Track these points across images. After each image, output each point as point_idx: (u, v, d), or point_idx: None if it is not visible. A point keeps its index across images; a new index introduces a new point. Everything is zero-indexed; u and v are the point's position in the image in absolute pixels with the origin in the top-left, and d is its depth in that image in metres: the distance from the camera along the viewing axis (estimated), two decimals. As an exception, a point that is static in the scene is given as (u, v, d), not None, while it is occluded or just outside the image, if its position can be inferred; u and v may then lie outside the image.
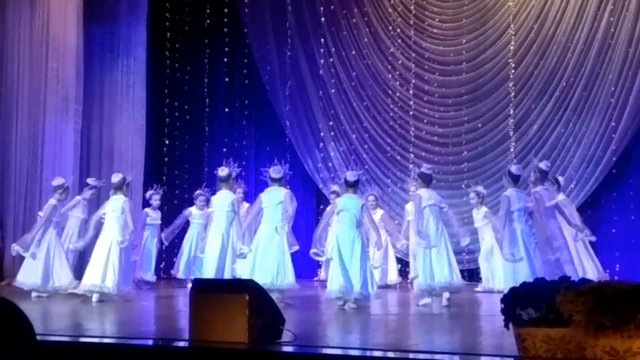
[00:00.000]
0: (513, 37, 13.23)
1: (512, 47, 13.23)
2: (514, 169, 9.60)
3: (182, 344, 5.91)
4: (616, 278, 11.43)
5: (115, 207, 10.03)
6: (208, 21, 14.63)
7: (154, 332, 7.37)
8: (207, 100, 14.72)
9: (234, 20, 14.75)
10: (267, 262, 9.38)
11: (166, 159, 14.29)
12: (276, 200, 9.55)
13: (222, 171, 10.32)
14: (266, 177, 9.83)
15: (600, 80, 12.56)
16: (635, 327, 4.33)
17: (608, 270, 11.62)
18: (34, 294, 10.23)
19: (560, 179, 11.46)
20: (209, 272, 9.97)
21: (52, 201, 10.59)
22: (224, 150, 14.26)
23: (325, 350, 5.68)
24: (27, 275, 10.35)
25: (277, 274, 9.31)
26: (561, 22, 12.88)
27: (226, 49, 14.87)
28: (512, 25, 13.26)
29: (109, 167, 13.47)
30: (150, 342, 6.38)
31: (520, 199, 9.34)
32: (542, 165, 10.02)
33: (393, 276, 12.43)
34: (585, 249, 11.00)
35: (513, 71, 13.20)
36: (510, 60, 13.24)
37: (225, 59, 14.90)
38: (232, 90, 14.99)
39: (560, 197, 10.59)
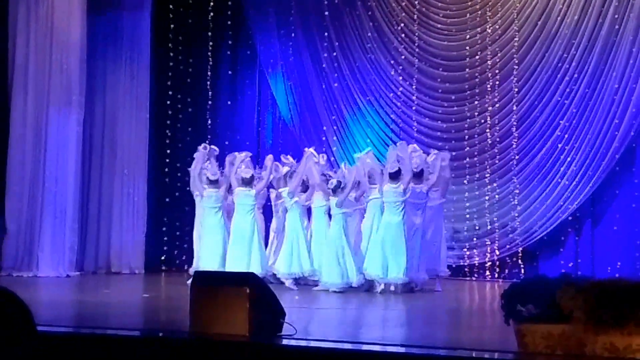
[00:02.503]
0: (517, 32, 13.18)
1: (516, 43, 13.18)
2: (390, 167, 10.42)
3: (182, 336, 5.91)
4: (617, 275, 11.42)
5: (246, 200, 10.66)
6: (211, 14, 14.60)
7: (155, 324, 7.39)
8: (210, 93, 14.70)
9: (237, 14, 14.73)
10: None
11: (168, 151, 14.28)
12: None
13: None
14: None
15: (604, 77, 12.51)
16: (635, 324, 4.34)
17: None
18: None
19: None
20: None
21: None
22: (226, 143, 14.27)
23: (324, 344, 5.68)
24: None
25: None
26: (565, 18, 12.83)
27: (229, 42, 14.86)
28: (516, 21, 13.21)
29: (111, 158, 13.48)
30: (150, 333, 6.39)
31: (392, 193, 10.25)
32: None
33: None
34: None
35: (516, 67, 13.17)
36: (514, 56, 13.20)
37: (229, 52, 14.89)
38: (234, 83, 14.99)
39: None
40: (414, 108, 13.92)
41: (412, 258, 10.18)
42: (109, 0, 13.46)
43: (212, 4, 14.56)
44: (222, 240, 10.78)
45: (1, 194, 12.30)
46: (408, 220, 10.30)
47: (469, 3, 13.65)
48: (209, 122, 14.71)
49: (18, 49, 12.30)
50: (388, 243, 10.11)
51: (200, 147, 11.48)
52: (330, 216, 10.69)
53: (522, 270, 12.78)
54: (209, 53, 14.67)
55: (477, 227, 13.15)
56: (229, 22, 14.73)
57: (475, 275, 13.06)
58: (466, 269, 13.07)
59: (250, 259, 10.55)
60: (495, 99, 13.35)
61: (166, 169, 14.14)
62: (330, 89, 14.37)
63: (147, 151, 13.71)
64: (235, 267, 10.27)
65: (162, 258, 13.75)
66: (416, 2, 13.90)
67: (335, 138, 14.26)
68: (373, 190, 10.55)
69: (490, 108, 13.38)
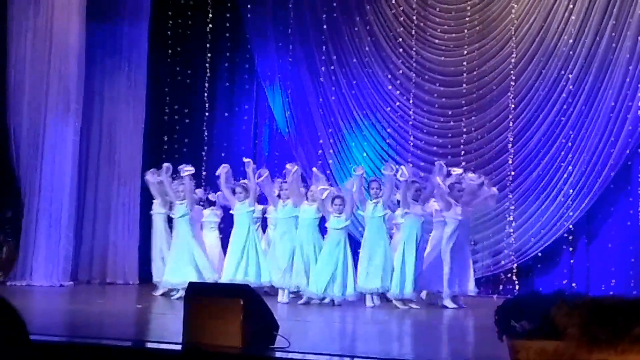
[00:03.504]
0: (514, 49, 13.22)
1: (513, 60, 13.22)
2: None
3: (175, 347, 5.89)
4: (611, 293, 11.42)
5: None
6: (210, 25, 14.65)
7: (148, 334, 7.36)
8: (207, 104, 14.71)
9: (236, 25, 14.76)
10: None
11: (165, 162, 14.25)
12: None
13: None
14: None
15: (600, 95, 12.54)
16: (629, 341, 4.32)
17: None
18: None
19: None
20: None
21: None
22: (223, 154, 14.26)
23: (318, 357, 5.67)
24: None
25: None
26: (563, 35, 12.88)
27: (227, 54, 14.88)
28: (513, 38, 13.25)
29: (108, 167, 13.47)
30: (143, 344, 6.37)
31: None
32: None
33: None
34: None
35: (513, 83, 13.20)
36: (511, 73, 13.23)
37: (226, 64, 14.91)
38: (232, 94, 15.00)
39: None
40: (410, 123, 13.94)
41: (404, 273, 10.24)
42: (108, 9, 13.48)
43: (210, 14, 14.60)
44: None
45: (1, 197, 12.29)
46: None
47: (467, 19, 13.69)
48: (206, 133, 14.71)
49: (17, 56, 12.31)
50: (376, 258, 10.27)
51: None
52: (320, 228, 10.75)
53: (517, 286, 12.77)
54: (207, 64, 14.69)
55: (472, 243, 13.15)
56: (227, 34, 14.77)
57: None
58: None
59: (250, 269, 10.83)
60: (492, 115, 13.38)
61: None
62: (328, 102, 14.39)
63: (143, 161, 13.69)
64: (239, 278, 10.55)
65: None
66: (414, 18, 13.94)
67: (331, 151, 14.27)
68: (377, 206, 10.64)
69: (486, 124, 13.40)
